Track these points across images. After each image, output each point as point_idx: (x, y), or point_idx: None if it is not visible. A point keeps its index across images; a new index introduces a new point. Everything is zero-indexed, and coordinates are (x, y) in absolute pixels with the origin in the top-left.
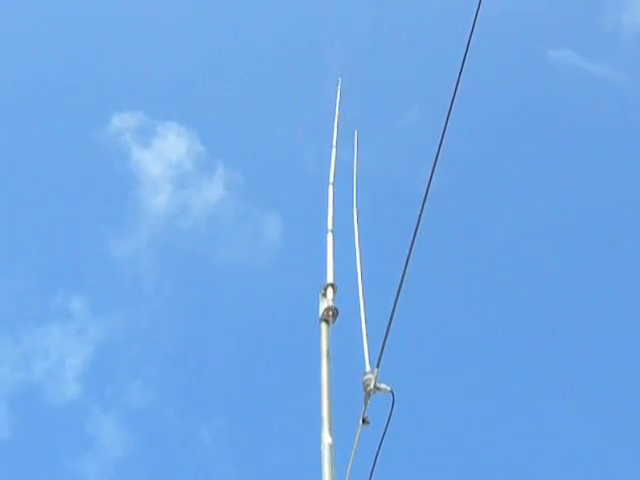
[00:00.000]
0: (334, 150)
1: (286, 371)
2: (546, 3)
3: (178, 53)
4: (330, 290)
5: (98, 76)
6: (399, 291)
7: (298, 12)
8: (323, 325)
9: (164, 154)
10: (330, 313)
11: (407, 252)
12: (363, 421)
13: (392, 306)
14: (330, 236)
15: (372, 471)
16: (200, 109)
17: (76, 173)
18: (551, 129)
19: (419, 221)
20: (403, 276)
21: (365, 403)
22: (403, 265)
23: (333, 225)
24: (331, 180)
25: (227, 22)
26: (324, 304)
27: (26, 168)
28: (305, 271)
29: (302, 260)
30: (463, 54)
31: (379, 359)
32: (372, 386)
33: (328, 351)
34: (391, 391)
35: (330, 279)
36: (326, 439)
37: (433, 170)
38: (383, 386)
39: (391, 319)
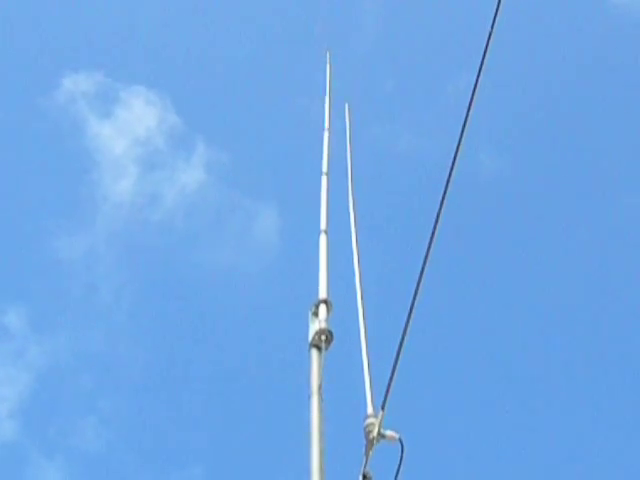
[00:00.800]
0: (326, 133)
1: (271, 410)
2: None
3: (147, 1)
4: (323, 308)
5: (46, 29)
6: (411, 311)
7: None
8: (314, 352)
9: (129, 127)
10: (323, 337)
11: (422, 260)
12: (364, 477)
13: (402, 331)
14: (323, 238)
15: None
16: (175, 70)
17: (16, 150)
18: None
19: (437, 219)
20: (416, 293)
21: (366, 454)
22: (416, 278)
23: (327, 224)
24: (324, 169)
25: None
26: (315, 326)
27: None
28: (306, 278)
29: (303, 265)
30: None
31: (384, 399)
32: (376, 433)
33: (320, 386)
34: (399, 439)
35: (323, 294)
36: None
37: (453, 165)
38: (389, 433)
39: (400, 348)
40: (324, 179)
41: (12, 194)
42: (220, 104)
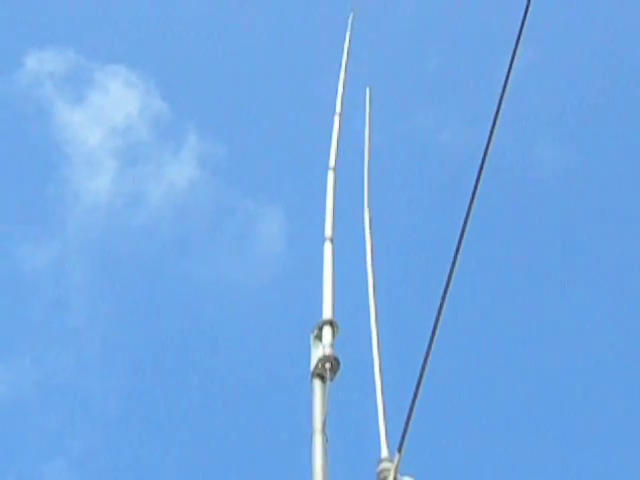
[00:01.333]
0: (337, 117)
1: (267, 452)
2: None
3: None
4: (328, 330)
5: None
6: (433, 335)
7: None
8: (317, 383)
9: (105, 114)
10: (327, 365)
11: (447, 274)
12: None
13: (423, 358)
14: (329, 247)
15: None
16: (160, 47)
17: None
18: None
19: (465, 226)
20: (439, 313)
21: None
22: (440, 298)
23: (333, 231)
24: (332, 164)
25: None
26: (319, 352)
27: None
28: (314, 295)
29: (312, 279)
30: None
31: (402, 441)
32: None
33: (324, 423)
34: None
35: (327, 314)
36: None
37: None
38: (407, 479)
39: (420, 379)
40: (331, 175)
41: None
42: (215, 87)
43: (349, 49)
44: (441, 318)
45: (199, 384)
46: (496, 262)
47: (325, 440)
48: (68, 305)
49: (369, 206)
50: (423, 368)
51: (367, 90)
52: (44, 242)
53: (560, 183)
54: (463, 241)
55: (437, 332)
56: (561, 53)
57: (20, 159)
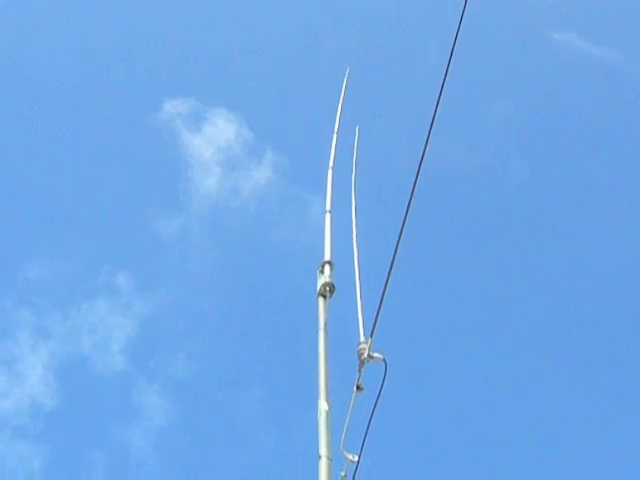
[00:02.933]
0: (335, 136)
1: (294, 341)
2: None
3: (229, 41)
4: (327, 267)
5: (152, 63)
6: (392, 266)
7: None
8: (320, 300)
9: (214, 139)
10: (327, 288)
11: (399, 232)
12: (357, 388)
13: (385, 280)
14: (328, 216)
15: (365, 435)
16: (248, 96)
17: (129, 156)
18: (554, 111)
19: (409, 204)
20: (395, 252)
21: (359, 371)
22: (395, 243)
23: (331, 206)
24: (331, 164)
25: (271, 16)
26: (322, 280)
27: (82, 150)
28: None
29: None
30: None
31: (373, 329)
32: (366, 355)
33: (325, 324)
34: (384, 359)
35: (327, 257)
36: (323, 406)
37: (422, 158)
38: (376, 355)
39: (384, 291)
40: (330, 172)
41: (126, 188)
42: (283, 120)
43: (344, 100)
44: (395, 260)
45: (268, 305)
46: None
47: (326, 335)
48: (189, 257)
49: (355, 192)
50: (385, 285)
51: (357, 130)
52: (175, 218)
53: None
54: (407, 218)
55: (394, 263)
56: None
57: (161, 166)
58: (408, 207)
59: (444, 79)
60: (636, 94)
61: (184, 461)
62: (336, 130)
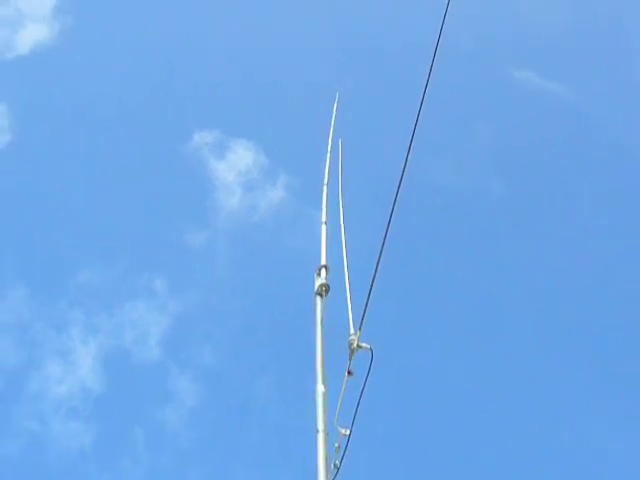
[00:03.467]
0: (328, 155)
1: (296, 334)
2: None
3: (248, 78)
4: (323, 270)
5: (184, 98)
6: (376, 269)
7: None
8: (317, 298)
9: (235, 165)
10: (323, 289)
11: (382, 239)
12: (348, 373)
13: (371, 281)
14: (324, 227)
15: (355, 413)
16: (264, 127)
17: (162, 180)
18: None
19: (393, 209)
20: (380, 257)
21: (350, 358)
22: (379, 249)
23: (327, 218)
24: (325, 181)
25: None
26: (318, 281)
27: (124, 174)
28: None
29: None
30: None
31: (361, 323)
32: (355, 345)
33: (322, 320)
34: (370, 348)
35: (323, 261)
36: (320, 388)
37: (404, 169)
38: (364, 345)
39: (370, 290)
40: (325, 189)
41: (162, 206)
42: (294, 148)
43: (335, 124)
44: (380, 264)
45: (281, 304)
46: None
47: (323, 329)
48: (215, 264)
49: (342, 203)
50: (372, 284)
51: (339, 142)
52: (203, 231)
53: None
54: (390, 224)
55: (379, 265)
56: None
57: (190, 187)
58: (391, 216)
59: (420, 109)
60: (589, 126)
61: (211, 435)
62: (329, 150)
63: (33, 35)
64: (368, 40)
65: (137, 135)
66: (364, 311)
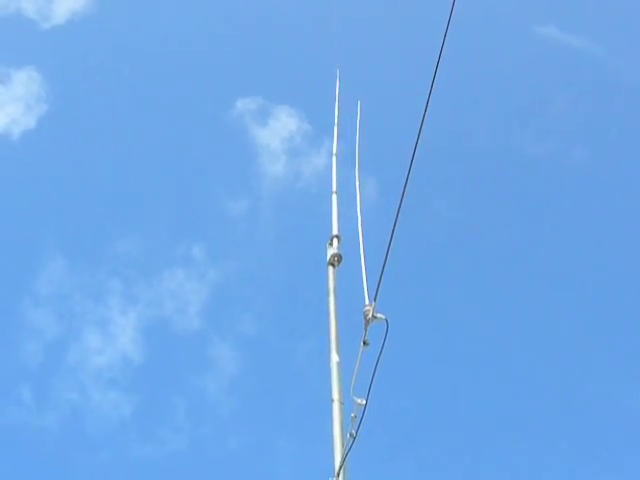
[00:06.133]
0: (335, 128)
1: (308, 301)
2: None
3: (290, 45)
4: (335, 240)
5: (227, 66)
6: (392, 236)
7: None
8: (330, 268)
9: (279, 131)
10: (335, 258)
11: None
12: (364, 343)
13: (386, 250)
14: (334, 197)
15: (371, 383)
16: (306, 93)
17: (206, 146)
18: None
19: (407, 179)
20: (395, 225)
21: (365, 329)
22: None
23: (337, 188)
24: (334, 151)
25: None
26: (330, 251)
27: (165, 143)
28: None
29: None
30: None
31: (376, 294)
32: (370, 315)
33: (334, 289)
34: (385, 319)
35: (335, 231)
36: (334, 358)
37: (419, 137)
38: (379, 315)
39: (385, 261)
40: (334, 159)
41: (202, 173)
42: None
43: (339, 98)
44: (395, 231)
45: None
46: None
47: (335, 298)
48: (255, 231)
49: (359, 172)
50: (387, 254)
51: (358, 104)
52: (244, 198)
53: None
54: (404, 197)
55: (394, 234)
56: None
57: (233, 154)
58: (406, 184)
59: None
60: (617, 83)
61: (252, 404)
62: (336, 122)
63: (69, 4)
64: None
65: (178, 103)
66: (379, 281)
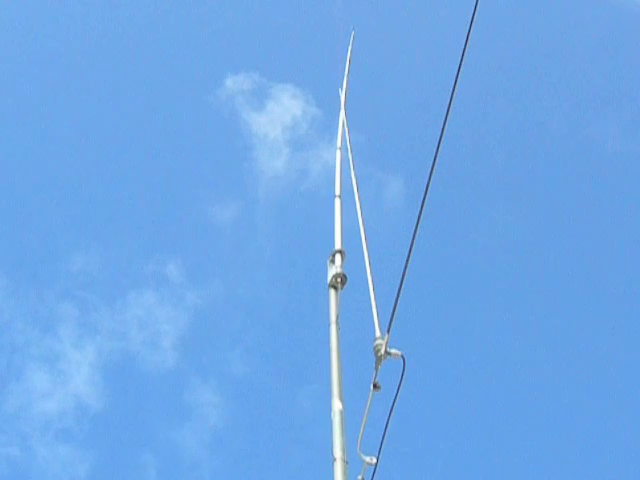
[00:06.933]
0: (342, 112)
1: (305, 334)
2: None
3: (295, 10)
4: (338, 257)
5: (213, 36)
6: (409, 256)
7: None
8: (332, 292)
9: (278, 117)
10: (339, 280)
11: (416, 218)
12: (374, 386)
13: (402, 271)
14: (338, 202)
15: (383, 436)
16: (314, 71)
17: (186, 136)
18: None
19: (427, 189)
20: (412, 242)
21: (376, 369)
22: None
23: (341, 190)
24: (338, 145)
25: None
26: (332, 270)
27: (131, 130)
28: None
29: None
30: None
31: (390, 324)
32: (383, 351)
33: (337, 317)
34: (402, 356)
35: (338, 245)
36: (336, 405)
37: (441, 138)
38: (394, 351)
39: (401, 284)
40: (338, 153)
41: (179, 170)
42: (354, 97)
43: (350, 63)
44: (412, 251)
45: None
46: None
47: (338, 329)
48: (248, 244)
49: (356, 177)
50: (402, 277)
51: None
52: (233, 202)
53: None
54: (425, 201)
55: (412, 252)
56: None
57: (221, 146)
58: (425, 194)
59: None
60: None
61: (241, 463)
62: (342, 104)
63: None
64: None
65: (152, 80)
66: (394, 309)
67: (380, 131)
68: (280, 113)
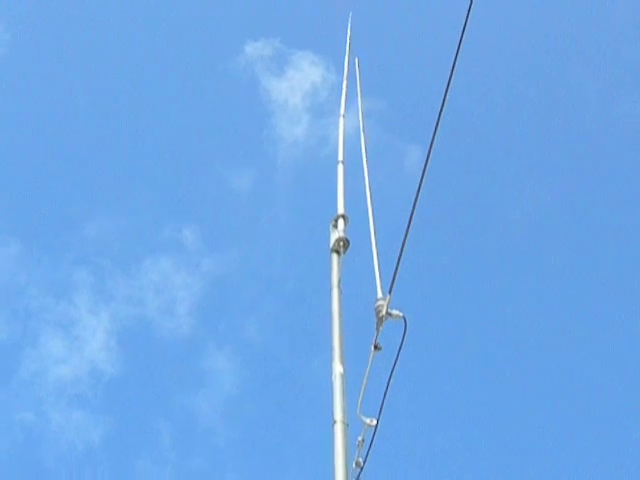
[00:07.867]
0: (345, 82)
1: (309, 297)
2: None
3: None
4: (341, 221)
5: (232, 2)
6: (410, 219)
7: None
8: (334, 256)
9: (298, 84)
10: (341, 244)
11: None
12: (375, 347)
13: (404, 234)
14: (340, 167)
15: (384, 398)
16: (334, 38)
17: (205, 103)
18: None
19: (429, 153)
20: (415, 204)
21: (377, 329)
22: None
23: (344, 156)
24: (342, 112)
25: None
26: (335, 235)
27: (148, 96)
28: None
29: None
30: None
31: (391, 285)
32: (384, 312)
33: (339, 281)
34: (403, 317)
35: (341, 210)
36: (337, 369)
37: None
38: (395, 312)
39: (403, 245)
40: (341, 120)
41: (197, 136)
42: (374, 65)
43: (350, 40)
44: (414, 213)
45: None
46: None
47: (340, 292)
48: (266, 212)
49: (364, 136)
50: (405, 239)
51: (356, 61)
52: (251, 169)
53: None
54: (427, 167)
55: (414, 215)
56: None
57: (240, 113)
58: (428, 157)
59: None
60: None
61: (254, 430)
62: (345, 76)
63: None
64: None
65: (168, 47)
66: (395, 270)
67: (403, 98)
68: (300, 80)
